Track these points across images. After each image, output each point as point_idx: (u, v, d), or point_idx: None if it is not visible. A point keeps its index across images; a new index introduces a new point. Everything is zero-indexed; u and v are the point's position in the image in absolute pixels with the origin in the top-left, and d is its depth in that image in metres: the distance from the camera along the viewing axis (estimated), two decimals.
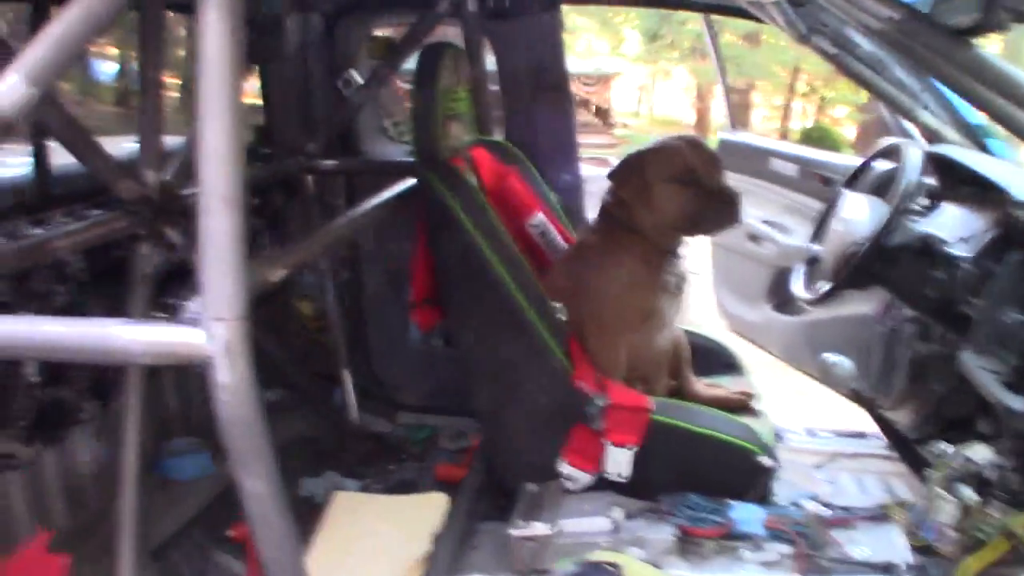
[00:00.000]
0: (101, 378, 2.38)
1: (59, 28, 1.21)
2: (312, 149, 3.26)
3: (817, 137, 17.35)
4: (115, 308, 2.16)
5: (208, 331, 1.18)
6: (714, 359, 3.11)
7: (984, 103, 2.32)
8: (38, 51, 1.21)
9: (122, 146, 2.48)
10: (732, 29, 15.84)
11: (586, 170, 3.72)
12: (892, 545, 2.33)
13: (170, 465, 2.69)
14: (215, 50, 1.16)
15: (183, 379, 2.89)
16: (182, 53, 9.18)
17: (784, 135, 19.97)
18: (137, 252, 2.17)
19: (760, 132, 21.10)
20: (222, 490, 2.73)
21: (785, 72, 18.89)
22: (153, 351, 1.21)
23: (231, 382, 1.19)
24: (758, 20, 3.03)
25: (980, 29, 1.62)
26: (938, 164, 2.70)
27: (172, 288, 2.34)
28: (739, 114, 18.91)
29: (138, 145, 2.22)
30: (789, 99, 20.87)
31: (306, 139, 3.26)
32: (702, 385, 2.87)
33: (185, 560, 2.52)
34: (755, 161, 4.02)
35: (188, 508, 2.61)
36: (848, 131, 18.82)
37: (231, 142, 1.16)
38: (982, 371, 2.04)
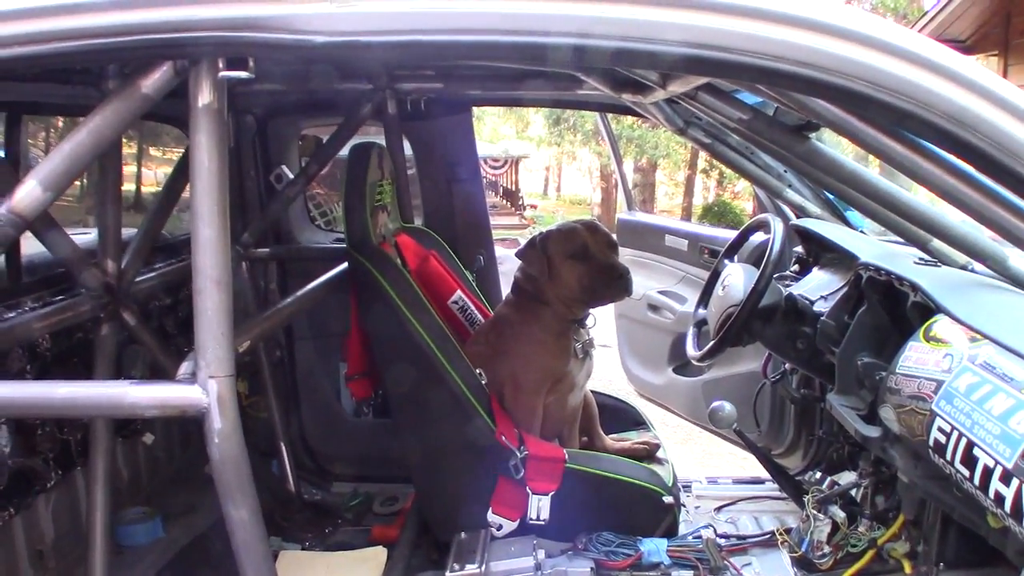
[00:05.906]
0: (63, 448, 2.55)
1: (71, 144, 1.48)
2: (247, 239, 3.46)
3: (718, 212, 17.90)
4: None
5: (204, 387, 1.43)
6: (622, 416, 3.42)
7: (820, 182, 2.74)
8: (53, 162, 1.48)
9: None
10: None
11: (498, 251, 4.00)
12: (780, 564, 2.67)
13: (124, 532, 2.82)
14: (205, 161, 1.43)
15: (133, 453, 3.03)
16: None
17: (687, 210, 20.36)
18: (99, 333, 2.38)
19: (664, 209, 21.53)
20: (175, 554, 2.89)
21: (685, 150, 19.14)
22: (157, 405, 1.47)
23: (223, 428, 1.44)
24: (643, 117, 3.36)
25: (808, 128, 2.00)
26: (802, 235, 3.08)
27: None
28: (645, 192, 19.39)
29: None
30: (690, 176, 21.29)
31: (241, 230, 3.45)
32: (610, 440, 3.17)
33: None
34: (651, 238, 4.35)
35: (144, 571, 2.74)
36: (747, 204, 19.14)
37: (220, 234, 1.44)
38: (844, 408, 2.33)
